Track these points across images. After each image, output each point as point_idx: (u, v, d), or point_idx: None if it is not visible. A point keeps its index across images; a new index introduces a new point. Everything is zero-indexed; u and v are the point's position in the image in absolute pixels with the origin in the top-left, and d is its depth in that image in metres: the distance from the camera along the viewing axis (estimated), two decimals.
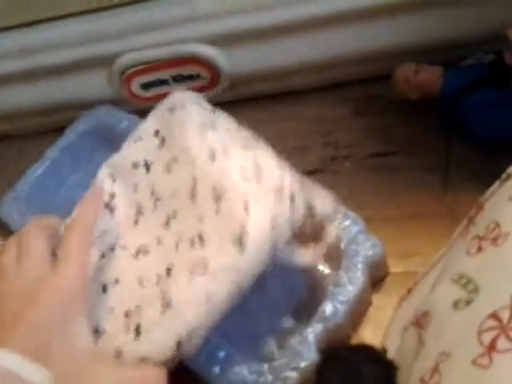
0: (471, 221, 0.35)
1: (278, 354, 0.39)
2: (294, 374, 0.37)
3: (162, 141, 0.43)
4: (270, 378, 0.37)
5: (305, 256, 0.40)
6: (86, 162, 0.57)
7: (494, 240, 0.28)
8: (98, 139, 0.57)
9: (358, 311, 0.41)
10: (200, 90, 0.57)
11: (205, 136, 0.41)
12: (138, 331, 0.36)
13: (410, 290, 0.39)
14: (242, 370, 0.38)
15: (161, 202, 0.41)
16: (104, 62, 0.55)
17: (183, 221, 0.39)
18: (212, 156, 0.39)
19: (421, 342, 0.30)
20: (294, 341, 0.38)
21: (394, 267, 0.45)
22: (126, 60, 0.55)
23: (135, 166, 0.43)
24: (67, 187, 0.57)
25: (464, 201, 0.47)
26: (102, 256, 0.41)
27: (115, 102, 0.59)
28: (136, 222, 0.42)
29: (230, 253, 0.36)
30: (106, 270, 0.40)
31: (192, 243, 0.38)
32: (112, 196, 0.43)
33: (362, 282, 0.40)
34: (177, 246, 0.39)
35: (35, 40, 0.55)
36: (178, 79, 0.56)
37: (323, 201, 0.38)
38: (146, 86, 0.57)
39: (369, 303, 0.42)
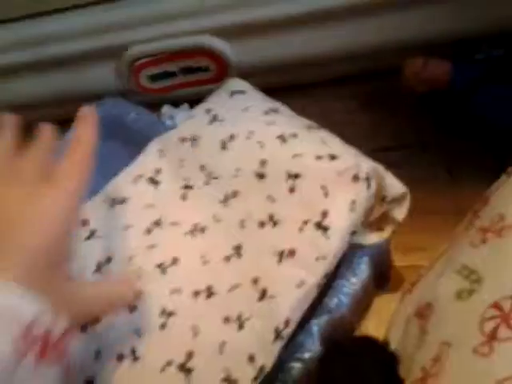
0: (476, 214, 0.35)
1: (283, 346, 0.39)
2: (297, 365, 0.37)
3: (214, 118, 0.43)
4: (274, 368, 0.38)
5: (371, 237, 0.40)
6: (94, 154, 0.57)
7: (499, 231, 0.28)
8: (106, 131, 0.57)
9: (362, 304, 0.41)
10: (207, 82, 0.58)
11: (270, 120, 0.42)
12: (240, 321, 0.36)
13: (413, 284, 0.39)
14: None
15: (217, 180, 0.41)
16: (113, 53, 0.56)
17: (249, 201, 0.39)
18: (282, 139, 0.40)
19: (423, 332, 0.30)
20: (298, 332, 0.39)
21: (399, 261, 0.46)
22: (134, 51, 0.55)
23: (182, 140, 0.44)
24: None
25: (470, 196, 0.47)
26: (148, 231, 0.41)
27: (123, 94, 0.59)
28: (184, 198, 0.42)
29: (315, 238, 0.36)
30: (158, 248, 0.40)
31: (262, 223, 0.38)
32: (157, 171, 0.44)
33: (366, 274, 0.40)
34: (242, 224, 0.39)
35: (45, 31, 0.56)
36: (186, 71, 0.57)
37: (393, 184, 0.39)
38: (154, 78, 0.57)
39: (373, 295, 0.42)
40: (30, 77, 0.59)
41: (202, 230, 0.40)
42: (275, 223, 0.38)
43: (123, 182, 0.44)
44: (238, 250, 0.39)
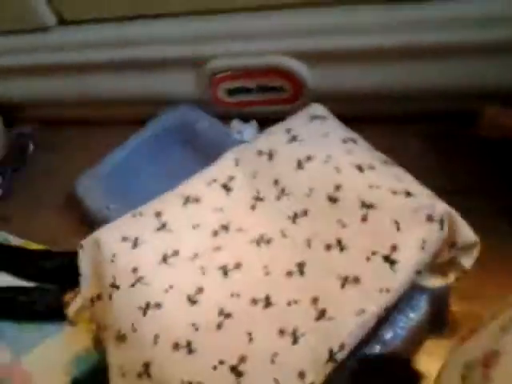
0: None
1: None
2: None
3: (293, 138, 0.45)
4: None
5: (434, 280, 0.41)
6: (164, 155, 0.59)
7: None
8: (179, 136, 0.60)
9: (416, 341, 0.41)
10: (281, 102, 0.59)
11: (348, 149, 0.43)
12: (294, 336, 0.36)
13: (472, 331, 0.39)
14: None
15: (289, 197, 0.42)
16: (196, 63, 0.58)
17: (317, 222, 0.40)
18: (359, 168, 0.41)
19: (487, 379, 0.30)
20: (348, 359, 0.39)
21: (454, 306, 0.45)
22: (217, 64, 0.57)
23: (259, 153, 0.45)
24: (144, 176, 0.59)
25: None
26: (214, 234, 0.42)
27: (198, 103, 0.61)
28: (253, 208, 0.43)
29: (381, 269, 0.37)
30: (223, 251, 0.41)
31: (328, 246, 0.39)
32: (231, 178, 0.45)
33: (424, 312, 0.40)
34: (308, 244, 0.40)
35: (135, 33, 0.59)
36: (263, 89, 0.58)
37: (465, 232, 0.39)
38: (231, 92, 0.59)
39: (427, 335, 0.42)
40: (115, 75, 0.62)
41: (268, 241, 0.41)
42: (342, 248, 0.38)
43: (198, 183, 0.46)
44: (301, 267, 0.39)
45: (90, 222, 0.56)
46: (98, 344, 0.47)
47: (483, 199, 0.51)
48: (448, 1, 0.49)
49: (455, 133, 0.56)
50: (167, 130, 0.60)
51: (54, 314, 0.51)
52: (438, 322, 0.42)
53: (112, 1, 0.56)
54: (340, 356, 0.36)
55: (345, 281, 0.37)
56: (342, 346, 0.36)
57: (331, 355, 0.36)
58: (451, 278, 0.40)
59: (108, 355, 0.41)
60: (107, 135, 0.67)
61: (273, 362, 0.36)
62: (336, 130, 0.46)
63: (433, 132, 0.57)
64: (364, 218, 0.39)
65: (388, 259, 0.37)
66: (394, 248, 0.37)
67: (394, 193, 0.39)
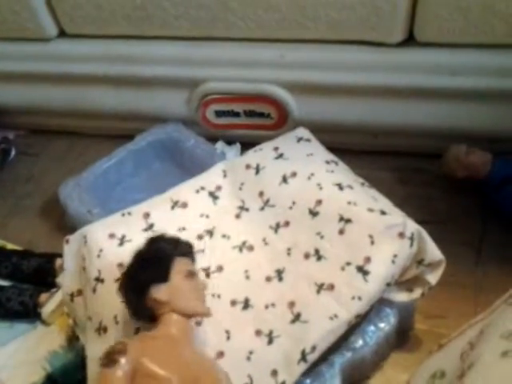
0: None
1: (303, 374, 0.41)
2: None
3: (280, 155, 0.49)
4: None
5: (400, 295, 0.44)
6: (147, 169, 0.62)
7: None
8: (163, 151, 0.62)
9: (383, 351, 0.43)
10: (266, 127, 0.63)
11: (331, 169, 0.47)
12: (270, 337, 0.39)
13: (441, 345, 0.41)
14: None
15: (273, 209, 0.46)
16: (189, 84, 0.61)
17: (299, 232, 0.44)
18: (339, 186, 0.45)
19: None
20: (320, 363, 0.41)
21: (418, 324, 0.48)
22: (209, 87, 0.61)
23: (247, 167, 0.49)
24: (125, 187, 0.62)
25: (492, 277, 0.51)
26: (200, 237, 0.45)
27: (187, 122, 0.64)
28: (238, 216, 0.46)
29: (355, 279, 0.40)
30: (207, 254, 0.44)
31: (307, 255, 0.42)
32: (218, 187, 0.48)
33: (392, 323, 0.42)
34: (288, 252, 0.43)
35: (134, 52, 0.62)
36: (249, 114, 0.62)
37: (432, 250, 0.43)
38: (219, 114, 0.63)
39: (392, 348, 0.44)
40: (106, 90, 0.65)
41: (250, 248, 0.44)
42: (319, 257, 0.41)
43: (187, 189, 0.48)
44: (280, 273, 0.42)
45: (71, 227, 0.57)
46: (73, 341, 0.47)
47: (448, 230, 0.56)
48: (426, 47, 0.54)
49: (424, 168, 0.60)
50: (153, 145, 0.63)
51: (29, 313, 0.51)
52: (403, 335, 0.45)
53: (113, 19, 0.60)
54: (311, 357, 0.38)
55: (320, 287, 0.40)
56: (313, 348, 0.38)
57: (303, 356, 0.38)
58: (417, 293, 0.43)
59: (86, 349, 0.41)
60: (91, 147, 0.69)
61: (248, 359, 0.38)
62: (320, 151, 0.50)
63: (404, 166, 0.61)
64: (341, 231, 0.42)
65: (361, 270, 0.40)
66: (367, 260, 0.40)
67: (370, 210, 0.43)
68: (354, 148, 0.62)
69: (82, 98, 0.66)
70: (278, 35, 0.57)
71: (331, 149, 0.63)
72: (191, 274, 0.39)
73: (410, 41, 0.54)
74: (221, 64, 0.60)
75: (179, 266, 0.39)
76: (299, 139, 0.51)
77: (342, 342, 0.41)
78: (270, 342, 0.39)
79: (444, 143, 0.58)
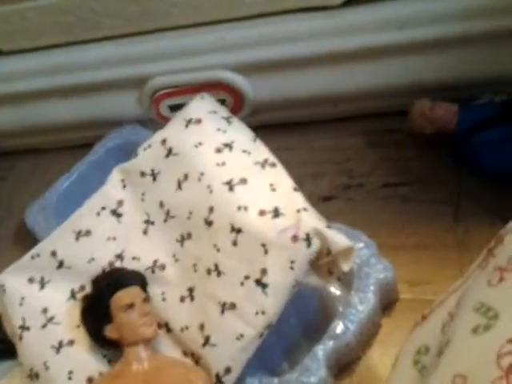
0: (491, 252, 0.35)
1: (289, 369, 0.40)
2: None
3: (169, 151, 0.45)
4: None
5: (320, 280, 0.42)
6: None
7: None
8: (124, 156, 0.60)
9: (368, 332, 0.42)
10: None
11: (221, 160, 0.43)
12: (194, 357, 0.39)
13: (424, 317, 0.40)
14: (254, 383, 0.39)
15: (174, 220, 0.43)
16: (136, 83, 0.59)
17: (199, 245, 0.41)
18: (230, 186, 0.41)
19: (437, 365, 0.31)
20: (304, 356, 0.40)
21: (404, 293, 0.47)
22: (157, 82, 0.58)
23: (143, 174, 0.46)
24: None
25: (474, 233, 0.49)
26: (110, 265, 0.43)
27: (143, 123, 0.62)
28: (145, 232, 0.44)
29: (254, 293, 0.38)
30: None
31: (209, 271, 0.40)
32: (120, 203, 0.45)
33: (372, 303, 0.41)
34: (195, 268, 0.41)
35: (72, 59, 0.59)
36: None
37: (337, 240, 0.39)
38: (173, 108, 0.60)
39: (378, 325, 0.43)
40: (57, 101, 0.62)
41: (162, 267, 0.42)
42: (219, 273, 0.39)
43: (87, 215, 0.46)
44: (191, 291, 0.41)
45: None
46: None
47: (424, 189, 0.53)
48: (370, 4, 0.51)
49: (393, 128, 0.58)
50: (113, 151, 0.61)
51: None
52: (389, 309, 0.44)
53: (44, 29, 0.57)
54: (229, 378, 0.37)
55: (223, 307, 0.38)
56: (227, 370, 0.37)
57: (218, 379, 0.37)
58: (334, 277, 0.41)
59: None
60: (56, 161, 0.67)
61: None
62: (209, 136, 0.45)
63: (372, 129, 0.59)
64: (234, 243, 0.39)
65: (260, 283, 0.38)
66: (263, 271, 0.38)
67: (262, 214, 0.39)
68: (317, 118, 0.60)
69: (33, 114, 0.64)
70: (214, 17, 0.54)
71: (295, 123, 0.62)
72: (131, 305, 0.39)
73: (352, 0, 0.51)
74: (163, 57, 0.57)
75: (116, 303, 0.39)
76: (188, 122, 0.46)
77: (323, 331, 0.40)
78: (197, 362, 0.39)
79: (407, 99, 0.55)
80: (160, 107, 0.60)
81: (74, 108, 0.63)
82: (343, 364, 0.41)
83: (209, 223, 0.41)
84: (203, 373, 0.38)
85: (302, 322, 0.43)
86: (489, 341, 0.28)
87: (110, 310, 0.39)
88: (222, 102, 0.59)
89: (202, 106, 0.48)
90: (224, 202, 0.41)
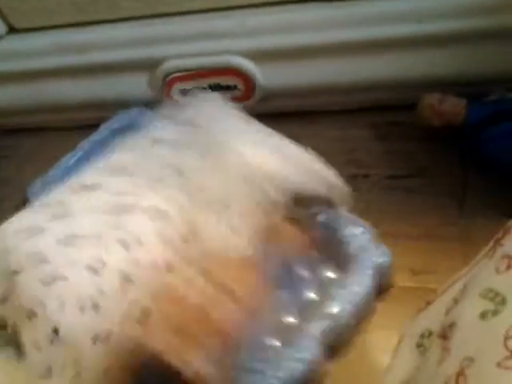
0: (498, 242, 0.36)
1: (284, 348, 0.40)
2: (299, 367, 0.38)
3: (121, 173, 0.44)
4: (275, 368, 0.38)
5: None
6: None
7: None
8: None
9: (364, 314, 0.42)
10: (235, 100, 0.60)
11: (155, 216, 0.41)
12: None
13: (428, 303, 0.40)
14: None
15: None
16: (149, 65, 0.59)
17: None
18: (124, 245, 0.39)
19: (445, 349, 0.31)
20: (299, 335, 0.39)
21: (406, 282, 0.46)
22: (170, 65, 0.58)
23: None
24: None
25: (479, 225, 0.48)
26: None
27: (152, 105, 0.62)
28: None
29: None
30: None
31: None
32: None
33: (369, 285, 0.41)
34: None
35: (87, 39, 0.60)
36: (216, 88, 0.60)
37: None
38: (184, 92, 0.61)
39: (373, 309, 0.43)
40: (66, 81, 0.63)
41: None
42: None
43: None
44: None
45: None
46: None
47: (430, 182, 0.53)
48: None
49: (401, 121, 0.58)
50: (118, 132, 0.61)
51: None
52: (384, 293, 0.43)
53: (60, 8, 0.57)
54: None
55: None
56: None
57: None
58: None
59: (21, 337, 0.41)
60: (62, 141, 0.68)
61: None
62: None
63: (380, 121, 0.59)
64: None
65: None
66: None
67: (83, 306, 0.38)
68: (327, 108, 0.60)
69: (43, 92, 0.64)
70: (232, 2, 0.55)
71: (305, 112, 0.62)
72: None
73: None
74: (179, 40, 0.58)
75: None
76: (154, 142, 0.46)
77: (319, 312, 0.40)
78: None
79: (418, 93, 0.55)
80: (172, 91, 0.61)
81: (84, 88, 0.63)
82: (338, 346, 0.41)
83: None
84: None
85: (297, 305, 0.43)
86: (497, 325, 0.28)
87: None
88: (233, 87, 0.60)
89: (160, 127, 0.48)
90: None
